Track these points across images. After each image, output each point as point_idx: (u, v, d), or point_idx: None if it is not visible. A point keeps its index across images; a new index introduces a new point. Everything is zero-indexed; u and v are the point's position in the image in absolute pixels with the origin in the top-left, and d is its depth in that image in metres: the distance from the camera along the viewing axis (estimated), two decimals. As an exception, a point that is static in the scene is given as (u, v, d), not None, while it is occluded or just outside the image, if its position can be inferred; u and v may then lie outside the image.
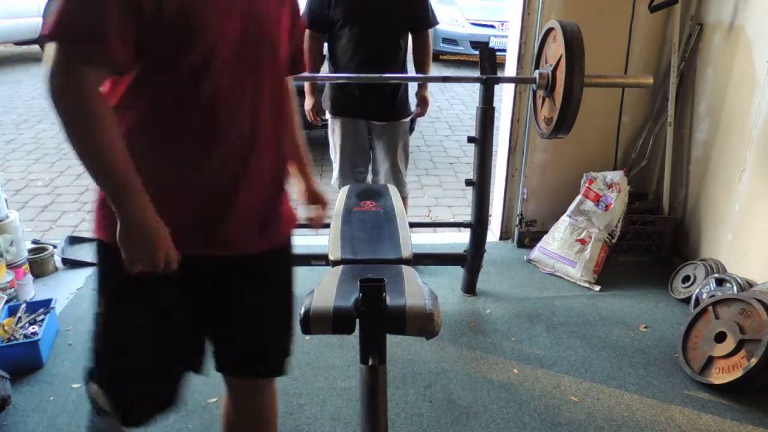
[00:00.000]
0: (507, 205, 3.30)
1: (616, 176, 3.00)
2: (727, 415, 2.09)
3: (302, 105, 2.86)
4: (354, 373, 2.22)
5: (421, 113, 2.89)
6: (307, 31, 2.69)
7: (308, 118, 2.86)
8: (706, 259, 2.80)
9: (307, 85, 2.82)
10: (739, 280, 2.49)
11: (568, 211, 3.05)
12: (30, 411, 2.04)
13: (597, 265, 2.92)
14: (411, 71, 2.93)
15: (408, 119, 2.82)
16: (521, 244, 3.27)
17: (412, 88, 2.94)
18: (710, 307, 2.33)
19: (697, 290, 2.64)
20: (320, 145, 5.07)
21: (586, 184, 3.05)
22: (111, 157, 1.09)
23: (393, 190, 2.08)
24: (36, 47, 8.16)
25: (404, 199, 2.90)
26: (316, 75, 2.80)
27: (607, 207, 2.98)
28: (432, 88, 2.95)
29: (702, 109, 2.89)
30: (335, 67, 2.72)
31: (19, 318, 2.34)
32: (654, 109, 3.12)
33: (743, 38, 2.60)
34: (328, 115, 2.84)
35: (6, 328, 2.27)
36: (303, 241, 3.27)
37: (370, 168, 2.95)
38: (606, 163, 3.14)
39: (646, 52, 3.03)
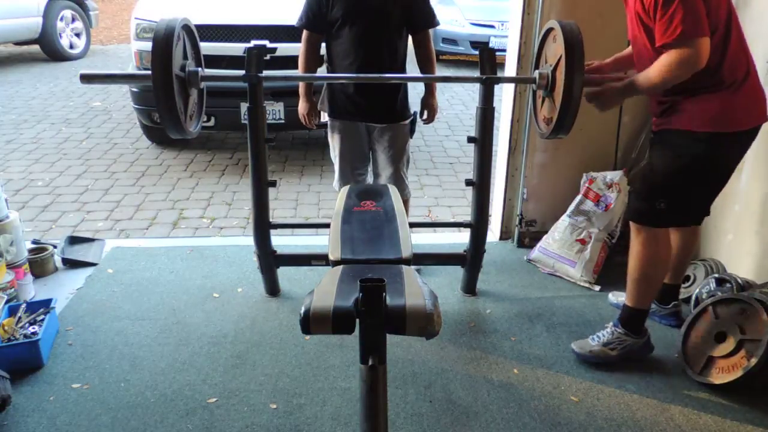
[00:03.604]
0: (507, 205, 3.30)
1: (616, 176, 3.00)
2: (727, 415, 2.09)
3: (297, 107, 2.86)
4: (354, 373, 2.22)
5: (428, 121, 2.88)
6: (304, 32, 2.68)
7: (302, 122, 2.85)
8: (706, 259, 2.80)
9: (302, 86, 2.80)
10: (739, 280, 2.49)
11: (568, 211, 3.05)
12: (30, 411, 2.04)
13: (597, 265, 2.92)
14: (411, 73, 2.92)
15: (408, 121, 2.80)
16: (521, 244, 3.27)
17: (413, 88, 2.93)
18: (710, 307, 2.33)
19: (697, 290, 2.64)
20: (320, 146, 5.08)
21: (586, 184, 3.05)
22: None
23: (393, 189, 2.08)
24: (36, 47, 8.16)
25: (406, 201, 2.90)
26: (315, 75, 2.80)
27: (607, 207, 2.98)
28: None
29: (702, 109, 2.89)
30: (333, 69, 2.70)
31: (19, 318, 2.34)
32: (654, 109, 3.11)
33: (743, 38, 2.60)
34: (326, 118, 2.83)
35: (6, 328, 2.27)
36: (303, 241, 3.27)
37: (369, 169, 2.94)
38: (606, 163, 3.13)
39: (646, 52, 3.02)
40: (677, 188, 2.10)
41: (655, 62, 1.92)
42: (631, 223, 2.23)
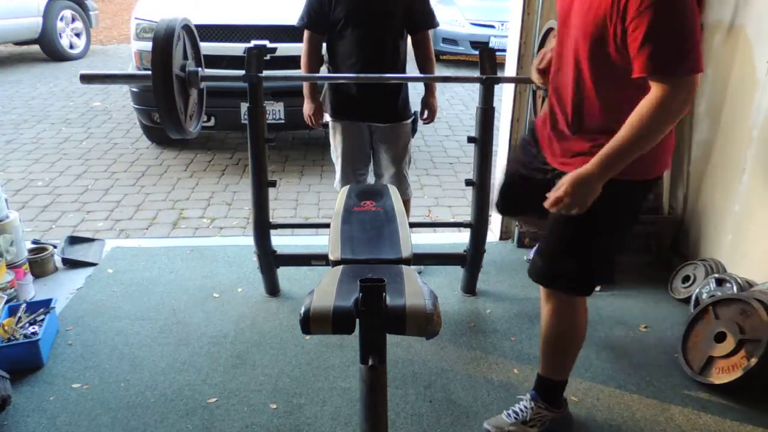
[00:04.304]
0: (507, 205, 3.29)
1: (616, 176, 3.00)
2: (727, 415, 2.09)
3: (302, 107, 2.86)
4: (354, 373, 2.22)
5: (428, 121, 2.88)
6: (306, 32, 2.68)
7: (309, 123, 2.85)
8: (706, 259, 2.79)
9: (306, 87, 2.80)
10: (739, 280, 2.49)
11: (568, 211, 3.04)
12: (30, 411, 2.04)
13: (597, 265, 2.91)
14: (411, 73, 2.93)
15: (409, 121, 2.81)
16: (521, 244, 3.27)
17: (413, 88, 2.93)
18: (710, 307, 2.33)
19: (697, 290, 2.64)
20: (320, 145, 5.08)
21: (586, 184, 3.04)
22: None
23: (393, 189, 2.08)
24: (36, 47, 8.15)
25: (407, 201, 2.91)
26: (315, 75, 2.80)
27: (607, 207, 2.97)
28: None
29: (702, 109, 2.89)
30: (335, 69, 2.70)
31: (19, 318, 2.34)
32: (654, 109, 3.11)
33: (743, 38, 2.60)
34: (328, 118, 2.82)
35: (6, 328, 2.27)
36: (303, 241, 3.27)
37: (370, 168, 2.94)
38: (606, 163, 3.13)
39: (646, 52, 3.02)
40: (584, 243, 1.76)
41: (639, 107, 1.52)
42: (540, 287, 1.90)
